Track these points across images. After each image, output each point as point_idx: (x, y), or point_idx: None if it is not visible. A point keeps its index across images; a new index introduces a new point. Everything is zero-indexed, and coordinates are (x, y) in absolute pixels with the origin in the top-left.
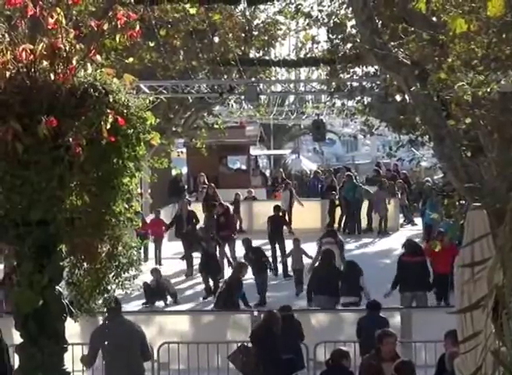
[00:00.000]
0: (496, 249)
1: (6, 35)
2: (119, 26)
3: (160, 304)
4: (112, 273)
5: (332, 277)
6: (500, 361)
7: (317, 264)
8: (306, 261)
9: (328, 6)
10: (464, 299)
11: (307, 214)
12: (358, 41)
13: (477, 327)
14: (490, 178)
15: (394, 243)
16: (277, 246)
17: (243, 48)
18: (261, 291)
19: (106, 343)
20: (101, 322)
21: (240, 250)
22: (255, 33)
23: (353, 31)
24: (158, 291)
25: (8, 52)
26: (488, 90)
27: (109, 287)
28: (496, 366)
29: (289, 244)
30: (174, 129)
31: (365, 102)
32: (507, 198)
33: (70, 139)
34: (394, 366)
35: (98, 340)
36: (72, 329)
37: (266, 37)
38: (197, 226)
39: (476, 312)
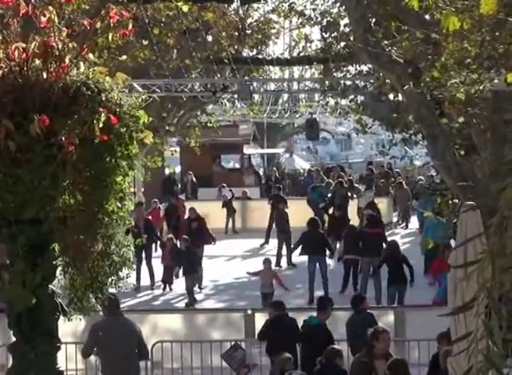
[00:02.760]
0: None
1: None
2: (112, 24)
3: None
4: (105, 272)
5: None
6: (491, 362)
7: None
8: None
9: (322, 5)
10: (458, 300)
11: (301, 212)
12: (351, 39)
13: (470, 327)
14: (483, 177)
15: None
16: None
17: (236, 47)
18: (189, 291)
19: (103, 340)
20: (93, 320)
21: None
22: (248, 31)
23: (347, 30)
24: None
25: (1, 51)
26: (481, 88)
27: (102, 286)
28: (487, 367)
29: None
30: (167, 128)
31: (359, 101)
32: (499, 197)
33: (63, 138)
34: (388, 365)
35: (97, 334)
36: (65, 328)
37: (259, 36)
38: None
39: (469, 311)
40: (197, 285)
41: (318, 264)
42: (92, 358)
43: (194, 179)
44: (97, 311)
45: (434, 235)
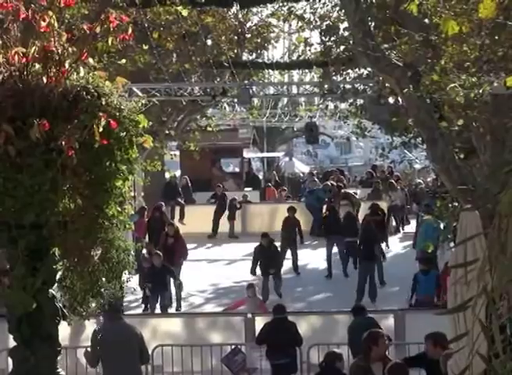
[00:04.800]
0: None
1: None
2: (112, 29)
3: None
4: (105, 276)
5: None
6: (488, 363)
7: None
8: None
9: (321, 8)
10: (457, 300)
11: (300, 217)
12: (351, 43)
13: (470, 327)
14: (483, 180)
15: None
16: None
17: (235, 51)
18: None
19: (105, 345)
20: (93, 325)
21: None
22: (248, 35)
23: (346, 33)
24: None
25: (1, 55)
26: (481, 92)
27: (102, 290)
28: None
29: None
30: (167, 132)
31: (358, 105)
32: (498, 200)
33: (63, 142)
34: (387, 369)
35: (98, 341)
36: (65, 332)
37: (259, 40)
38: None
39: (468, 311)
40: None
41: (335, 244)
42: None
43: (190, 183)
44: (97, 315)
45: (432, 237)
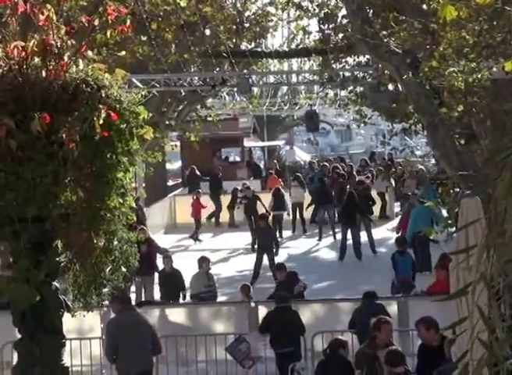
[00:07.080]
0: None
1: None
2: (110, 21)
3: None
4: (108, 268)
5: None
6: (487, 347)
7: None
8: None
9: None
10: (460, 285)
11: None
12: (349, 30)
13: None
14: (483, 165)
15: (389, 232)
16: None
17: (234, 40)
18: None
19: (118, 335)
20: (97, 316)
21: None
22: (247, 25)
23: (345, 21)
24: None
25: (0, 50)
26: (480, 77)
27: (105, 282)
28: (486, 354)
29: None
30: (167, 122)
31: (358, 92)
32: (497, 185)
33: (64, 135)
34: (385, 354)
35: (113, 331)
36: (70, 324)
37: (258, 29)
38: None
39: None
40: None
41: (326, 212)
42: (97, 354)
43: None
44: (101, 306)
45: (423, 223)
